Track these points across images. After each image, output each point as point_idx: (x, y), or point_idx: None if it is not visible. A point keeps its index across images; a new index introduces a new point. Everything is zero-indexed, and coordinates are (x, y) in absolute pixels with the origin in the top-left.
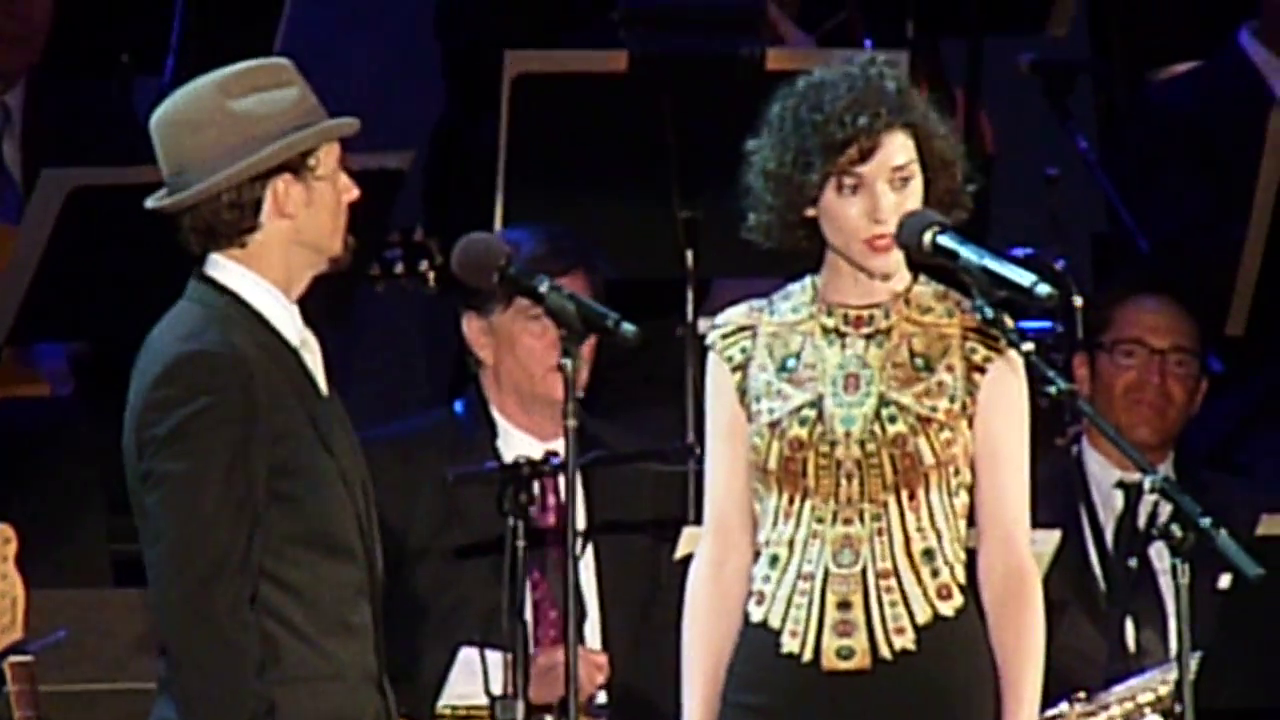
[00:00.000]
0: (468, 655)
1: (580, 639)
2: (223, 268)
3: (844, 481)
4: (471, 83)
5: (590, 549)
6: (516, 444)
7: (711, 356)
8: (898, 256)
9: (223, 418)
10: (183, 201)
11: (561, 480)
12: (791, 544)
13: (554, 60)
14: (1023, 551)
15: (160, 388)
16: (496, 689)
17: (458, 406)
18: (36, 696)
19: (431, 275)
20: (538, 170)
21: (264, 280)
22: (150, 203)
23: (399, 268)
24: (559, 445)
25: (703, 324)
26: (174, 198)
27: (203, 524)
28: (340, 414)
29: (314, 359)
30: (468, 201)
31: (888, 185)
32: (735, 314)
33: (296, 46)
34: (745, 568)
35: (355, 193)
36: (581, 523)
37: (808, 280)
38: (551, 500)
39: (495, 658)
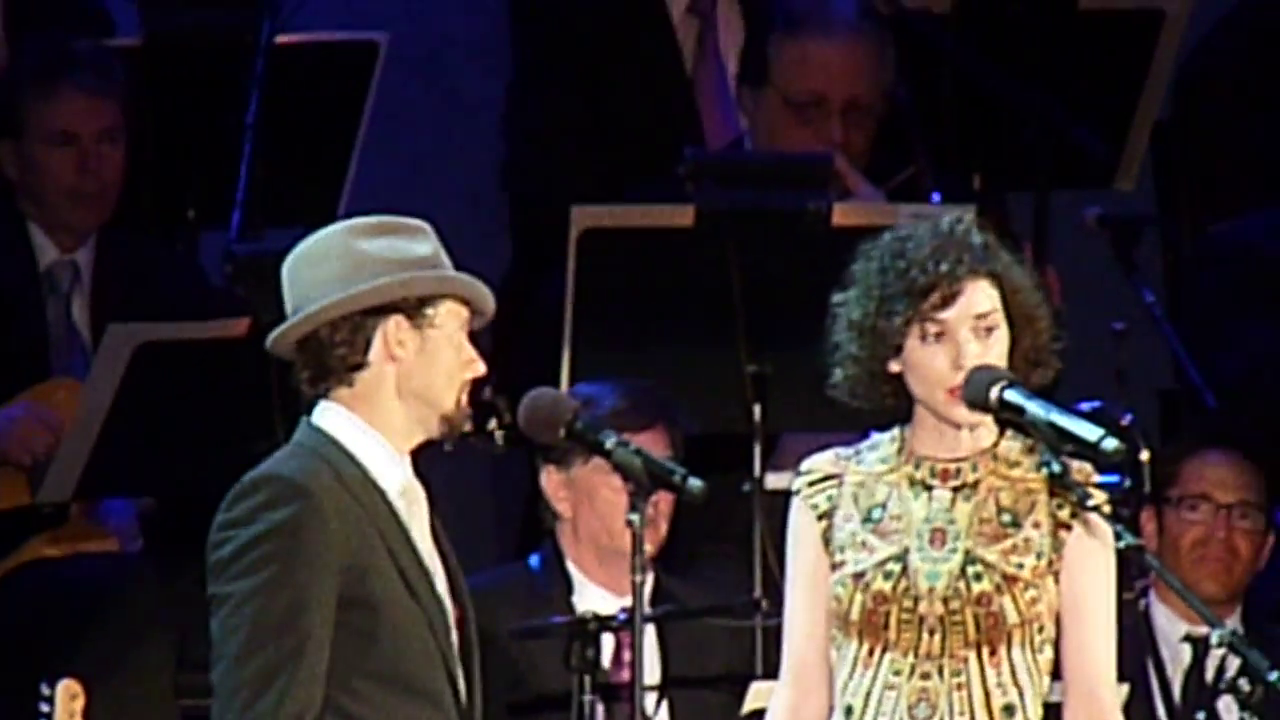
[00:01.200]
0: None
1: None
2: (330, 412)
3: (925, 636)
4: (538, 237)
5: (665, 705)
6: (592, 598)
7: (796, 503)
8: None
9: (285, 538)
10: (293, 330)
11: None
12: (868, 696)
13: (621, 215)
14: (1108, 706)
15: (226, 510)
16: None
17: (533, 561)
18: None
19: (500, 434)
20: (605, 325)
21: (369, 427)
22: (268, 340)
23: (468, 426)
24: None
25: (770, 479)
26: (284, 326)
27: (261, 640)
28: (453, 575)
29: (418, 511)
30: (535, 357)
31: (971, 334)
32: (821, 461)
33: (362, 201)
34: (821, 715)
35: (482, 368)
36: (657, 677)
37: (896, 431)
38: (626, 656)
39: None
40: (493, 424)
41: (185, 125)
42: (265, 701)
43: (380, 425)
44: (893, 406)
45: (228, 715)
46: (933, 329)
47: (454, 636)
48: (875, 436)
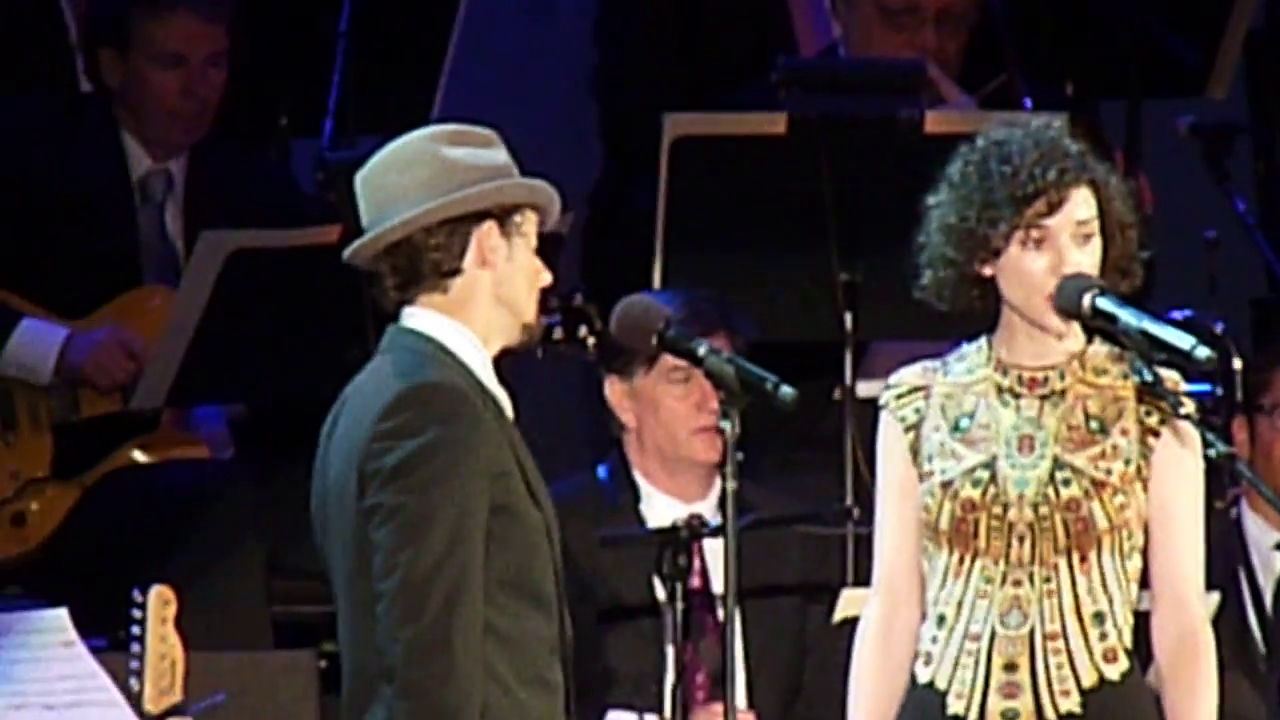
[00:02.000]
0: (616, 718)
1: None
2: (422, 317)
3: (1015, 543)
4: (630, 145)
5: (737, 612)
6: (660, 507)
7: (884, 415)
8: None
9: (451, 450)
10: (388, 234)
11: (705, 544)
12: (960, 604)
13: (713, 123)
14: (1196, 614)
15: (388, 419)
16: None
17: (601, 471)
18: None
19: (591, 341)
20: (697, 233)
21: (465, 329)
22: (347, 252)
23: (558, 333)
24: (702, 508)
25: (860, 387)
26: (376, 231)
27: (437, 559)
28: (537, 472)
29: (507, 416)
30: (627, 265)
31: (1072, 241)
32: (909, 374)
33: (454, 109)
34: (913, 628)
35: (549, 278)
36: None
37: (983, 340)
38: (697, 564)
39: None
40: (584, 331)
41: (278, 33)
42: (449, 622)
43: (474, 330)
44: (980, 310)
45: (405, 630)
46: (1035, 235)
47: (557, 545)
48: (963, 348)
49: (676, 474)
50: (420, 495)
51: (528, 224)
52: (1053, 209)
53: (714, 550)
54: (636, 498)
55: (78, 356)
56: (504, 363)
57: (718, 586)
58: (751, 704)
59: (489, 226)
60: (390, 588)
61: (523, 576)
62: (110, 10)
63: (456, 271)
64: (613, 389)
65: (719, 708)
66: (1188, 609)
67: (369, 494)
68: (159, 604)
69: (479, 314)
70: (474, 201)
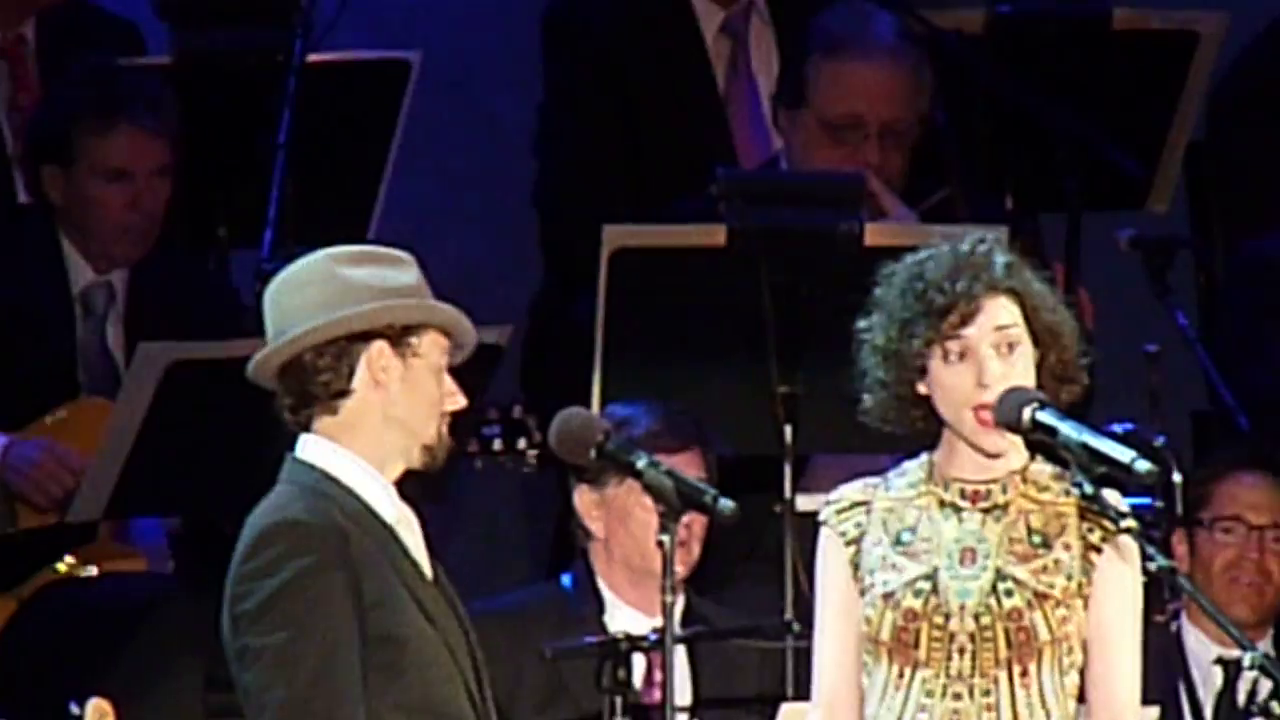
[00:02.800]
0: None
1: None
2: (314, 445)
3: (956, 655)
4: (569, 257)
5: None
6: (624, 619)
7: (824, 531)
8: (1012, 436)
9: (311, 586)
10: (276, 355)
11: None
12: (900, 718)
13: (652, 234)
14: None
15: (247, 562)
16: None
17: (565, 580)
18: None
19: (531, 453)
20: (636, 345)
21: (358, 457)
22: (249, 368)
23: (498, 445)
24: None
25: (801, 500)
26: (266, 350)
27: (303, 695)
28: (449, 594)
29: (414, 539)
30: (566, 377)
31: (993, 350)
32: (850, 490)
33: (394, 221)
34: None
35: (461, 402)
36: (688, 698)
37: (924, 457)
38: (658, 676)
39: None
40: (523, 443)
41: (217, 144)
42: None
43: (366, 454)
44: (923, 430)
45: None
46: (955, 348)
47: (470, 659)
48: (905, 464)
49: (642, 585)
50: (280, 636)
51: (426, 345)
52: (966, 320)
53: (678, 664)
54: (601, 608)
55: (14, 471)
56: (444, 476)
57: (678, 699)
58: None
59: (379, 347)
60: None
61: (425, 699)
62: (53, 127)
63: (346, 393)
64: (582, 498)
65: None
66: None
67: (237, 638)
68: (96, 717)
69: (371, 437)
70: (360, 321)
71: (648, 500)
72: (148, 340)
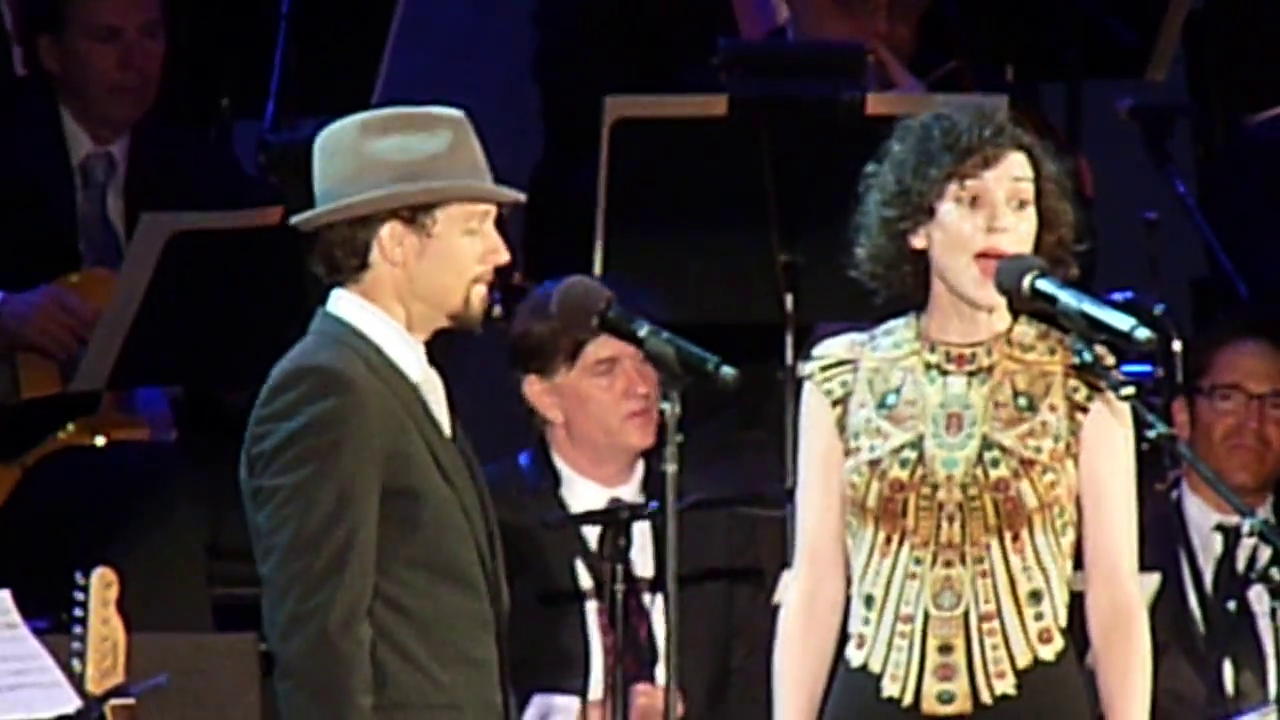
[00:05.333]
0: (540, 702)
1: (653, 681)
2: (343, 300)
3: (945, 523)
4: (571, 127)
5: (659, 597)
6: (581, 492)
7: (809, 388)
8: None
9: (328, 431)
10: (303, 226)
11: (634, 527)
12: (889, 584)
13: (654, 105)
14: (1129, 589)
15: (267, 404)
16: None
17: (522, 458)
18: None
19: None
20: (637, 215)
21: (385, 315)
22: (293, 219)
23: (498, 311)
24: (624, 492)
25: (802, 367)
26: (294, 220)
27: (310, 536)
28: (467, 454)
29: (436, 398)
30: (567, 246)
31: (1006, 202)
32: (836, 347)
33: (395, 90)
34: (837, 600)
35: (503, 257)
36: (653, 570)
37: (911, 316)
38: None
39: (567, 702)
40: None
41: (220, 15)
42: (320, 596)
43: (394, 314)
44: (911, 288)
45: (280, 610)
46: (970, 191)
47: (483, 520)
48: (891, 322)
49: (605, 462)
50: (294, 476)
51: (445, 220)
52: (988, 163)
53: (639, 534)
54: (557, 483)
55: (16, 318)
56: (444, 342)
57: (641, 570)
58: (679, 685)
59: (391, 227)
60: (269, 570)
61: (437, 555)
62: None
63: (364, 267)
64: (532, 388)
65: (647, 687)
66: (1121, 585)
67: (253, 478)
68: (101, 586)
69: (395, 306)
70: (364, 207)
71: (602, 380)
72: (148, 211)
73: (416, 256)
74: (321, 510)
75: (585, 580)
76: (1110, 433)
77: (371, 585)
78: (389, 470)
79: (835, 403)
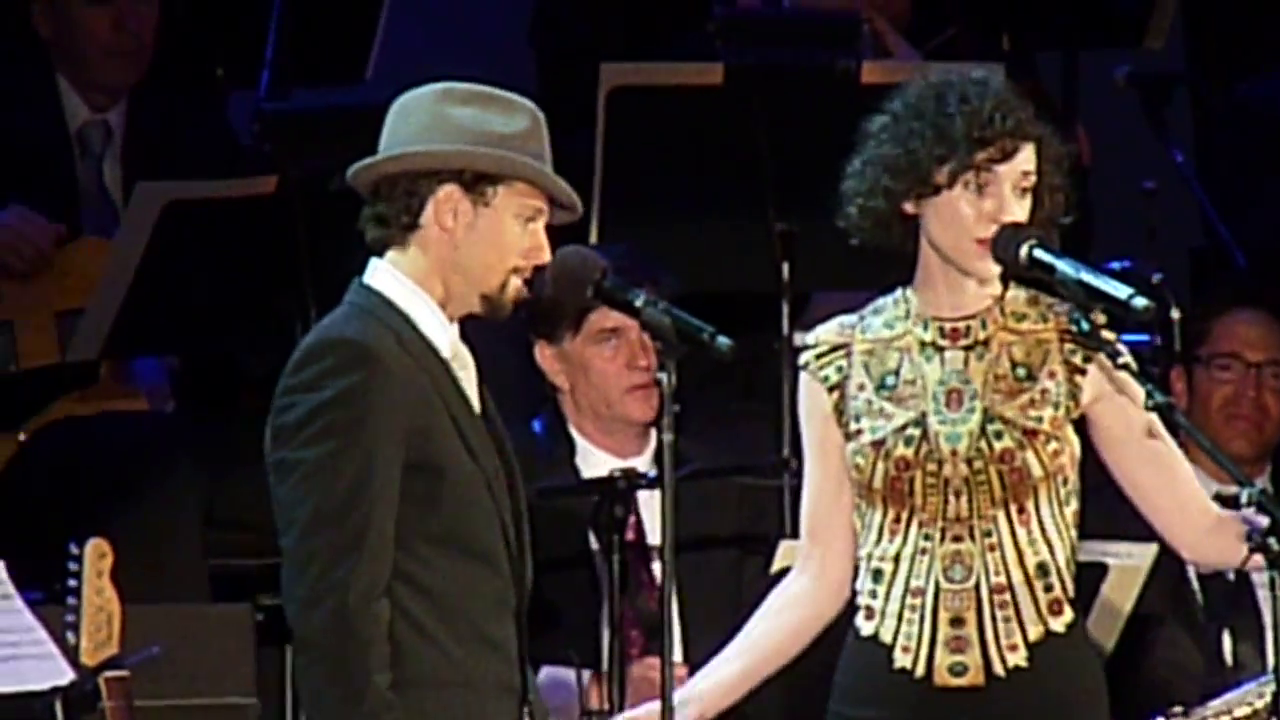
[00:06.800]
0: (546, 674)
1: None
2: (380, 272)
3: (952, 499)
4: (566, 95)
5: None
6: (595, 462)
7: (804, 377)
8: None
9: (352, 405)
10: (363, 171)
11: (640, 496)
12: (898, 559)
13: (649, 73)
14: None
15: (293, 375)
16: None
17: (536, 425)
18: (132, 711)
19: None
20: (633, 183)
21: (422, 291)
22: (349, 174)
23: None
24: (638, 463)
25: (798, 337)
26: (356, 167)
27: (332, 511)
28: (498, 432)
29: (467, 375)
30: None
31: (1012, 192)
32: (827, 333)
33: (390, 59)
34: (840, 577)
35: (542, 258)
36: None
37: (899, 293)
38: (631, 518)
39: (568, 675)
40: None
41: None
42: (340, 571)
43: (429, 288)
44: (898, 248)
45: (299, 585)
46: (981, 180)
47: (509, 499)
48: (879, 300)
49: (612, 432)
50: (318, 449)
51: (504, 197)
52: (1006, 156)
53: (649, 503)
54: (572, 451)
55: None
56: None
57: (653, 539)
58: (687, 657)
59: (449, 190)
60: (289, 544)
61: (457, 532)
62: None
63: (414, 226)
64: (542, 353)
65: (654, 661)
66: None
67: (276, 450)
68: (95, 556)
69: (435, 276)
70: (428, 160)
71: (604, 350)
72: (145, 180)
73: (467, 227)
74: (344, 485)
75: (597, 549)
76: (1116, 380)
77: (391, 562)
78: (413, 446)
79: (832, 389)
